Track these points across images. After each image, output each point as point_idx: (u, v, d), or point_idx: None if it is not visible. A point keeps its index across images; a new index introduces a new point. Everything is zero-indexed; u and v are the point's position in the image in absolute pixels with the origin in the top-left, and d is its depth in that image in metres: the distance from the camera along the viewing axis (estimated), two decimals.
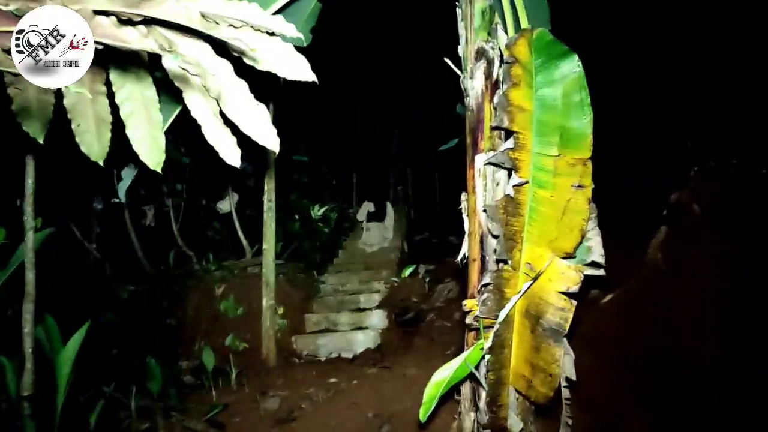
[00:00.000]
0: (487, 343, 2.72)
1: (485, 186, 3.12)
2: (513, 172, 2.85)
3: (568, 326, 2.72)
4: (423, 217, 11.65)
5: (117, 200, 5.86)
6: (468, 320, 2.87)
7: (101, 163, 2.28)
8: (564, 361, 2.80)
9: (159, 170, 2.24)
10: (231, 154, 2.24)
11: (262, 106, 2.13)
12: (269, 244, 5.83)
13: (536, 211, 2.82)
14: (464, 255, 3.28)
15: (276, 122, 2.26)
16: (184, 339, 5.92)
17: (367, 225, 9.42)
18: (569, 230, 2.79)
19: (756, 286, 3.99)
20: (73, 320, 3.85)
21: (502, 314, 2.69)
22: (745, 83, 6.35)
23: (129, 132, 2.25)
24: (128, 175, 3.58)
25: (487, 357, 2.73)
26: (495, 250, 2.80)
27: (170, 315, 6.23)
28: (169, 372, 4.64)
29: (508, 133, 3.08)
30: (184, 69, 1.78)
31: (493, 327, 2.76)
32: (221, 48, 1.95)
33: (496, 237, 2.80)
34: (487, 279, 2.77)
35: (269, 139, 2.17)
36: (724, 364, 3.71)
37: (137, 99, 2.21)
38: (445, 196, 13.09)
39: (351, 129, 11.78)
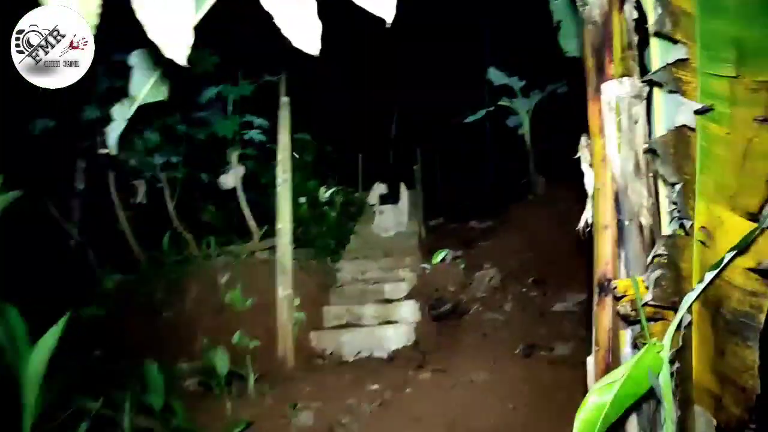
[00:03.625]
0: (667, 342, 1.85)
1: (619, 124, 2.29)
2: (679, 96, 2.03)
3: (763, 318, 1.87)
4: (433, 200, 10.75)
5: (104, 151, 4.60)
6: (622, 309, 2.01)
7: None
8: None
9: (186, 63, 1.37)
10: (308, 34, 1.37)
11: None
12: (284, 222, 4.92)
13: (709, 154, 2.02)
14: (587, 221, 2.44)
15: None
16: (183, 336, 4.98)
17: (380, 208, 8.60)
18: (752, 181, 1.98)
19: None
20: (47, 316, 2.90)
21: (688, 300, 1.84)
22: None
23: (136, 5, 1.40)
24: (121, 114, 2.62)
25: (671, 364, 1.86)
26: (674, 205, 1.94)
27: (166, 308, 5.28)
28: (168, 377, 3.70)
29: (641, 50, 2.31)
30: None
31: (660, 319, 1.92)
32: None
33: (672, 185, 1.95)
34: (660, 248, 1.91)
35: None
36: None
37: None
38: (447, 178, 12.27)
39: (355, 107, 10.89)
